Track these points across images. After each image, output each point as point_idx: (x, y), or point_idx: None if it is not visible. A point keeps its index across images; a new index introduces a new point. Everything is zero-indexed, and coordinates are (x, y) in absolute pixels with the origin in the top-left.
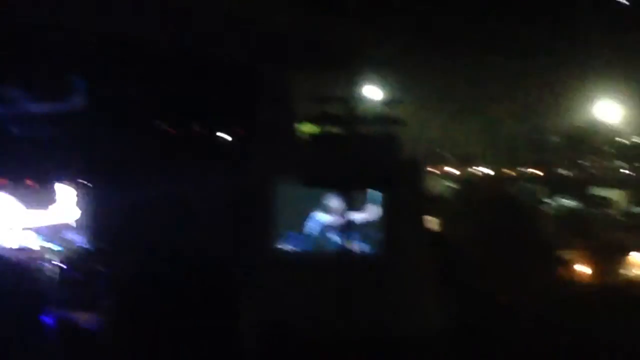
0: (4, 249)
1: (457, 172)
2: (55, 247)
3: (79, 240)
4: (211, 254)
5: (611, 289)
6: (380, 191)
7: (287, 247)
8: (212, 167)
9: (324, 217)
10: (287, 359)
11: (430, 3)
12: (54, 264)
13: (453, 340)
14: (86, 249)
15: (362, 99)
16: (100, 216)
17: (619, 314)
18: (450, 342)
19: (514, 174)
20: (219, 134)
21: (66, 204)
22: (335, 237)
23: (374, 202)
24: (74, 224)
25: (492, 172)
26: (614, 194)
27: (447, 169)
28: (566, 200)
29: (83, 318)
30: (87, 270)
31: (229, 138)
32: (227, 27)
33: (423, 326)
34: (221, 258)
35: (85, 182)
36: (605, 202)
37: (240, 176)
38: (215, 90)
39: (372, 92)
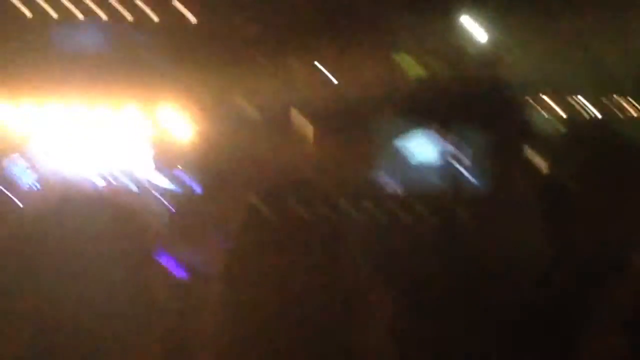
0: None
1: (563, 108)
2: None
3: None
4: None
5: None
6: (487, 127)
7: None
8: None
9: (428, 154)
10: None
11: None
12: None
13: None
14: None
15: (464, 37)
16: None
17: None
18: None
19: (621, 109)
20: None
21: None
22: (440, 174)
23: (478, 139)
24: None
25: (596, 106)
26: None
27: (552, 104)
28: None
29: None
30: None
31: None
32: None
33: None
34: None
35: None
36: None
37: None
38: None
39: (474, 30)
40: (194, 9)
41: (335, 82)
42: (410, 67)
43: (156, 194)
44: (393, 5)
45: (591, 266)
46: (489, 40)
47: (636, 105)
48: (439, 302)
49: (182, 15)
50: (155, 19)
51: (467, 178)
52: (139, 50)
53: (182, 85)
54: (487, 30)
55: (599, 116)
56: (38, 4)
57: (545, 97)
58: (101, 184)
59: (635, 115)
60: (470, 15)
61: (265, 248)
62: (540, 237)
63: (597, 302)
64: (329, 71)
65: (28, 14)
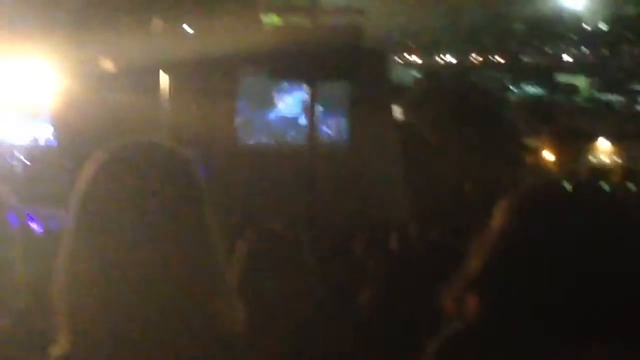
0: None
1: (422, 61)
2: None
3: None
4: None
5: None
6: (343, 81)
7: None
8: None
9: (291, 107)
10: None
11: None
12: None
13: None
14: None
15: None
16: None
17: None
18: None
19: (478, 61)
20: None
21: None
22: (302, 127)
23: (339, 92)
24: None
25: (456, 60)
26: (579, 81)
27: (412, 57)
28: (531, 88)
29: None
30: None
31: None
32: None
33: (388, 213)
34: None
35: None
36: (570, 88)
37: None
38: None
39: None
40: None
41: (197, 38)
42: (273, 23)
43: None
44: None
45: (449, 212)
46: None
47: (496, 59)
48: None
49: None
50: None
51: (328, 130)
52: (3, 9)
53: (43, 41)
54: None
55: (458, 70)
56: None
57: (406, 54)
58: None
59: (492, 68)
60: None
61: (119, 202)
62: (401, 184)
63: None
64: (192, 28)
65: None
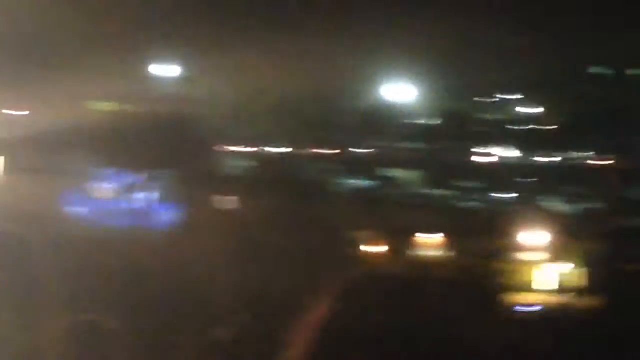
0: None
1: (251, 151)
2: None
3: None
4: None
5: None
6: (171, 170)
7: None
8: None
9: (113, 195)
10: None
11: None
12: None
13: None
14: None
15: (156, 77)
16: None
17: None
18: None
19: (307, 153)
20: None
21: None
22: (124, 215)
23: (164, 180)
24: None
25: (286, 151)
26: (404, 174)
27: (240, 148)
28: (358, 180)
29: None
30: None
31: None
32: None
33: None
34: None
35: None
36: (394, 182)
37: None
38: None
39: (167, 70)
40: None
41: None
42: (102, 109)
43: None
44: (88, 53)
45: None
46: (184, 88)
47: (325, 151)
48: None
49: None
50: None
51: (155, 217)
52: None
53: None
54: (183, 78)
55: (287, 161)
56: None
57: (232, 144)
58: None
59: (322, 160)
60: (168, 63)
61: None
62: (227, 271)
63: None
64: (24, 111)
65: None
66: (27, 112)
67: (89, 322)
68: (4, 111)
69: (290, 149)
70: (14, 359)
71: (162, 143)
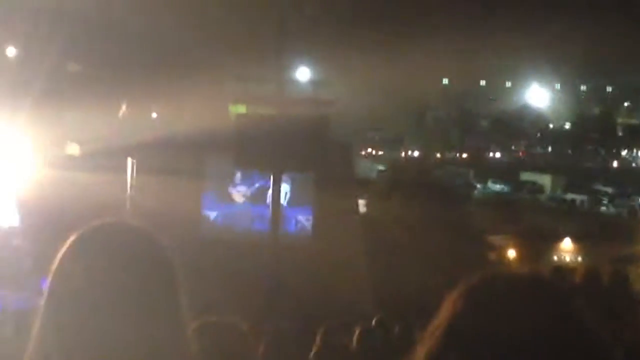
0: None
1: (386, 155)
2: None
3: None
4: None
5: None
6: (309, 172)
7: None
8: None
9: (247, 198)
10: None
11: None
12: None
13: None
14: None
15: (293, 81)
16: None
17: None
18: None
19: (442, 157)
20: None
21: None
22: (258, 218)
23: (303, 183)
24: None
25: (420, 155)
26: (543, 179)
27: (376, 151)
28: (495, 185)
29: None
30: None
31: None
32: None
33: (351, 306)
34: None
35: None
36: (534, 187)
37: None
38: None
39: (304, 74)
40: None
41: (163, 123)
42: (240, 112)
43: None
44: (227, 57)
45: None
46: (322, 93)
47: (461, 156)
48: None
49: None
50: None
51: (293, 220)
52: None
53: (8, 125)
54: (320, 82)
55: (422, 165)
56: None
57: (369, 148)
58: None
59: (457, 165)
60: (307, 69)
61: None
62: (362, 274)
63: None
64: (158, 113)
65: None
66: (165, 116)
67: (223, 324)
68: (136, 114)
69: (426, 152)
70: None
71: (298, 146)
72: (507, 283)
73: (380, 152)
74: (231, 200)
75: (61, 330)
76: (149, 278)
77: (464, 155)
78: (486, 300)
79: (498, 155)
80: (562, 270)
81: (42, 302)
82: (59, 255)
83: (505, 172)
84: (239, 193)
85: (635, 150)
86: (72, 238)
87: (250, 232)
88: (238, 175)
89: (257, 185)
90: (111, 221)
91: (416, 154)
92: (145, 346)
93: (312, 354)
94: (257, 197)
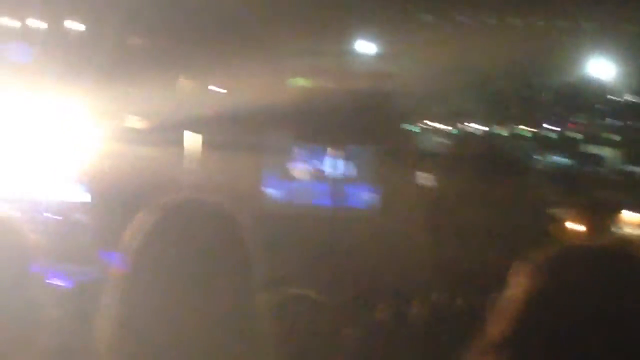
0: None
1: (449, 128)
2: None
3: None
4: None
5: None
6: (370, 146)
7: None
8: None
9: (310, 173)
10: None
11: None
12: None
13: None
14: None
15: (353, 54)
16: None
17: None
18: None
19: (505, 130)
20: None
21: None
22: (321, 194)
23: (362, 157)
24: None
25: (481, 128)
26: (606, 152)
27: (438, 124)
28: (558, 158)
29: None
30: None
31: None
32: None
33: (413, 278)
34: None
35: None
36: (597, 159)
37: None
38: None
39: (365, 47)
40: (87, 24)
41: (224, 97)
42: (301, 85)
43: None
44: (287, 30)
45: (472, 276)
46: (382, 64)
47: (522, 128)
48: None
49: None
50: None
51: (354, 194)
52: (34, 68)
53: (73, 100)
54: (381, 55)
55: (484, 138)
56: None
57: (430, 121)
58: None
59: (518, 138)
60: (367, 42)
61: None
62: (425, 248)
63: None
64: (222, 88)
65: None
66: (225, 90)
67: (299, 296)
68: (204, 88)
69: (488, 126)
70: (227, 333)
71: (360, 120)
72: (589, 255)
73: (442, 125)
74: (292, 175)
75: (139, 306)
76: (229, 254)
77: (526, 128)
78: (568, 273)
79: (559, 128)
80: (627, 242)
81: (115, 275)
82: (140, 229)
83: (567, 144)
84: (300, 168)
85: None
86: (153, 214)
87: (312, 208)
88: (299, 149)
89: (318, 159)
90: (192, 197)
91: (478, 126)
92: (221, 322)
93: (374, 324)
94: (318, 172)
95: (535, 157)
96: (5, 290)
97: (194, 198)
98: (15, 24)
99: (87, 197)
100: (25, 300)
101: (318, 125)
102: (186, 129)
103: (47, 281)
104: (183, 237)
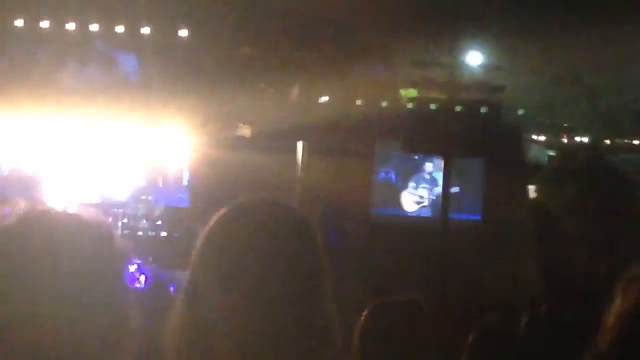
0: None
1: (557, 140)
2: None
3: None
4: None
5: None
6: (479, 158)
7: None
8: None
9: (425, 182)
10: None
11: None
12: None
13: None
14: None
15: (463, 65)
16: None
17: None
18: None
19: (614, 143)
20: None
21: None
22: (436, 203)
23: (474, 168)
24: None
25: (591, 141)
26: None
27: (547, 137)
28: None
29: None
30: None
31: None
32: None
33: (513, 293)
34: None
35: None
36: None
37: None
38: None
39: (474, 58)
40: (193, 32)
41: (333, 106)
42: (410, 96)
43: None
44: (399, 41)
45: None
46: (492, 77)
47: (633, 142)
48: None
49: (181, 39)
50: (152, 41)
51: (461, 205)
52: (140, 73)
53: (180, 107)
54: (491, 68)
55: (593, 151)
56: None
57: (541, 135)
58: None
59: (629, 151)
60: (477, 53)
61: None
62: (535, 263)
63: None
64: (330, 97)
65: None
66: (327, 97)
67: (406, 301)
68: (307, 96)
69: (597, 138)
70: (296, 340)
71: (470, 131)
72: None
73: (550, 137)
74: (398, 183)
75: (202, 308)
76: (302, 257)
77: (637, 142)
78: None
79: None
80: None
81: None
82: (207, 229)
83: None
84: (406, 177)
85: None
86: (220, 213)
87: (417, 218)
88: (406, 159)
89: (425, 171)
90: (259, 197)
91: (587, 139)
92: (289, 328)
93: (472, 338)
94: (424, 182)
95: None
96: (96, 297)
97: (266, 198)
98: (124, 32)
99: (192, 204)
100: (115, 307)
101: (427, 135)
102: (296, 137)
103: (133, 286)
104: (250, 235)
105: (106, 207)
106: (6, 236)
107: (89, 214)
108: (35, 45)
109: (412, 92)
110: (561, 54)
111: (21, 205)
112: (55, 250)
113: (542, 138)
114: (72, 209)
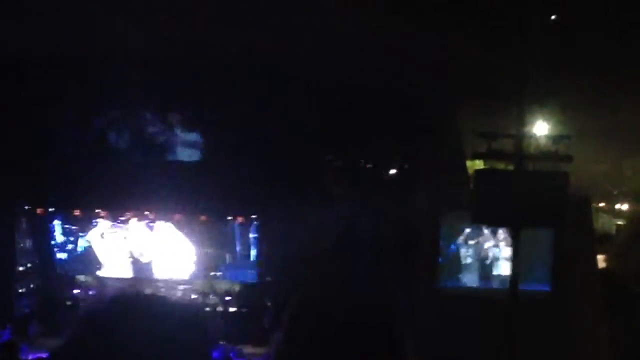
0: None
1: (627, 209)
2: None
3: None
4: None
5: None
6: (549, 228)
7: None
8: (377, 201)
9: (492, 252)
10: None
11: (598, 39)
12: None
13: None
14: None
15: (530, 135)
16: (271, 250)
17: None
18: None
19: None
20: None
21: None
22: (503, 273)
23: (542, 238)
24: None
25: None
26: None
27: (616, 205)
28: None
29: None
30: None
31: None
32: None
33: None
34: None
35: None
36: None
37: (405, 210)
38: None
39: (540, 128)
40: None
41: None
42: (478, 167)
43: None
44: (466, 112)
45: None
46: (560, 146)
47: None
48: None
49: None
50: None
51: (530, 277)
52: None
53: None
54: (558, 138)
55: None
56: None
57: (610, 201)
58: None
59: None
60: (544, 123)
61: None
62: (605, 339)
63: None
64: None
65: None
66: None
67: None
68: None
69: None
70: None
71: (536, 201)
72: None
73: (618, 206)
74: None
75: None
76: None
77: None
78: None
79: None
80: None
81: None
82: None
83: None
84: (470, 249)
85: None
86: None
87: (485, 289)
88: (469, 230)
89: (490, 241)
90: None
91: None
92: None
93: None
94: (492, 253)
95: None
96: None
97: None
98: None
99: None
100: None
101: (495, 206)
102: None
103: None
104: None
105: (173, 283)
106: (102, 319)
107: (178, 296)
108: None
109: (480, 164)
110: (628, 126)
111: (105, 285)
112: (149, 334)
113: (611, 206)
114: (159, 290)
